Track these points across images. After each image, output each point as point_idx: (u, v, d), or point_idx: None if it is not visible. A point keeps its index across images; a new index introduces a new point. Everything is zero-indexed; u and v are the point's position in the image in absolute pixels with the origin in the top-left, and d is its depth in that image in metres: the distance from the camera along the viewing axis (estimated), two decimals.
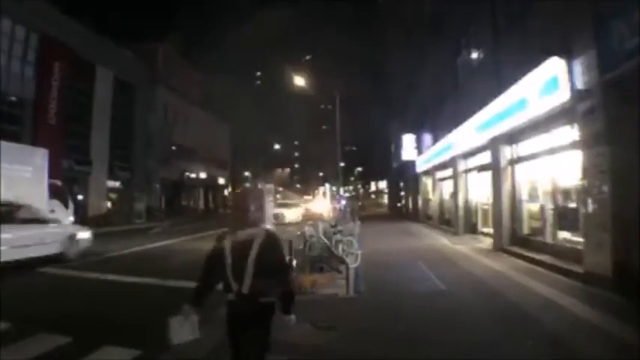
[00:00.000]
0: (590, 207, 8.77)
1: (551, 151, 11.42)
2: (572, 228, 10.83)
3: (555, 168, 11.54)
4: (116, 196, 39.06)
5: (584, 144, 9.10)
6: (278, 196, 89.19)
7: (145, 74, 42.96)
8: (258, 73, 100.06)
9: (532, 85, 10.64)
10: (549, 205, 12.06)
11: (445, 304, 7.94)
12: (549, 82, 9.77)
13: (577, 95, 9.04)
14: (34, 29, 28.90)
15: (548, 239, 12.01)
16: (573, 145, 9.97)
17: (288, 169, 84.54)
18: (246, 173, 72.36)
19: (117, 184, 39.24)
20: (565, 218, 11.24)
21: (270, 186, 8.54)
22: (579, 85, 8.95)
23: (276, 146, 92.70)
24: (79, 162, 33.48)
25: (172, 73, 47.90)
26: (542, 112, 10.54)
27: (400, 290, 9.17)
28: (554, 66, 9.58)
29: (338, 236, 12.52)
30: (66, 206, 20.23)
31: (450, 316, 7.17)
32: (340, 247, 12.17)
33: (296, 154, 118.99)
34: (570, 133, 10.30)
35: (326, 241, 11.99)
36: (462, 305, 7.81)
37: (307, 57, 51.38)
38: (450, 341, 5.94)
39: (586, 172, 8.99)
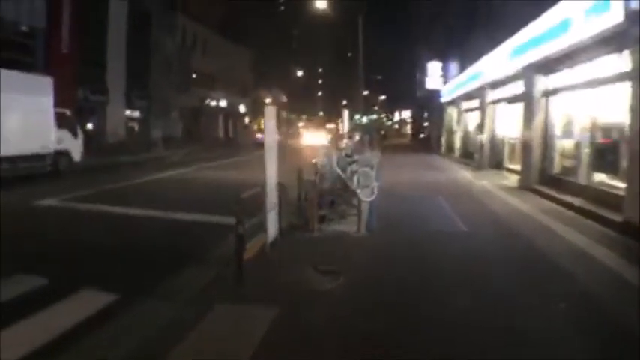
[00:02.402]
0: (637, 148, 7.71)
1: (593, 83, 10.24)
2: (610, 170, 9.83)
3: (596, 102, 10.37)
4: (137, 125, 38.53)
5: (634, 75, 7.94)
6: (300, 124, 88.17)
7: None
8: None
9: (578, 4, 9.32)
10: (586, 143, 10.97)
11: (465, 248, 7.13)
12: (599, 1, 8.46)
13: (631, 17, 7.74)
14: None
15: (582, 181, 11.00)
16: (620, 77, 8.85)
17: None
18: (268, 100, 71.08)
19: (136, 113, 38.58)
20: (603, 159, 10.19)
21: (271, 109, 7.45)
22: (635, 4, 7.66)
23: (299, 73, 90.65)
24: (95, 91, 32.70)
25: None
26: (587, 36, 9.23)
27: (417, 229, 8.42)
28: None
29: (353, 167, 11.68)
30: (75, 135, 19.64)
31: (471, 263, 6.36)
32: (355, 178, 11.37)
33: (320, 81, 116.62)
34: (618, 62, 9.10)
35: (339, 171, 11.16)
36: (484, 251, 7.00)
37: None
38: (467, 296, 5.15)
39: (634, 107, 7.89)
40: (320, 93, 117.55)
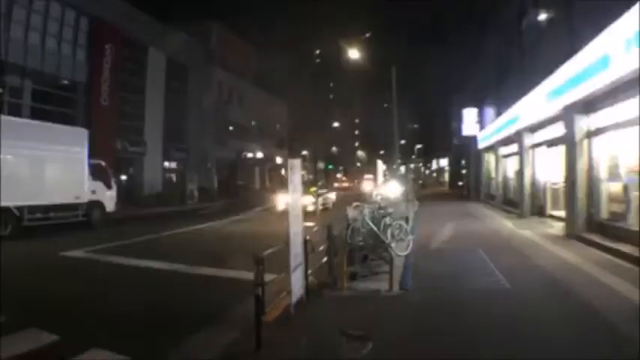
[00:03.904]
0: None
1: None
2: None
3: None
4: (175, 177, 39.21)
5: None
6: (338, 175, 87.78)
7: (199, 54, 42.40)
8: (317, 52, 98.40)
9: (616, 37, 8.79)
10: (635, 185, 10.20)
11: (510, 309, 6.42)
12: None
13: None
14: (83, 13, 28.70)
15: (634, 226, 10.17)
16: None
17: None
18: (304, 152, 71.34)
19: (173, 164, 39.28)
20: None
21: (296, 161, 7.08)
22: None
23: (335, 124, 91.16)
24: (133, 143, 33.45)
25: (226, 51, 47.18)
26: (629, 70, 8.63)
27: (455, 287, 7.72)
28: None
29: (387, 220, 11.17)
30: (108, 187, 19.86)
31: (516, 328, 5.68)
32: (389, 232, 10.83)
33: (356, 132, 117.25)
34: None
35: (372, 225, 10.66)
36: (531, 313, 6.27)
37: (367, 34, 48.98)
38: None
39: None
40: (357, 144, 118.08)
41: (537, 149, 18.22)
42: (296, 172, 6.99)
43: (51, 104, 25.83)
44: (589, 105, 11.82)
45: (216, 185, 42.84)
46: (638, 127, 9.69)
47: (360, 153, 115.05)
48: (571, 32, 12.34)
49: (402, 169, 58.19)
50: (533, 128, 17.66)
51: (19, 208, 15.44)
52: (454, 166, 52.75)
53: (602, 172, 12.00)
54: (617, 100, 10.41)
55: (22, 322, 5.91)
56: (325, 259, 8.43)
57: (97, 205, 18.89)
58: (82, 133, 18.09)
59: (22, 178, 15.20)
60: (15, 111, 21.74)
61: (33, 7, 25.20)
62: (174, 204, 31.35)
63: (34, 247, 13.61)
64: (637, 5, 7.99)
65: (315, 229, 9.43)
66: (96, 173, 18.91)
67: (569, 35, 12.34)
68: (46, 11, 26.17)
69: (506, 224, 16.37)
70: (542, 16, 16.09)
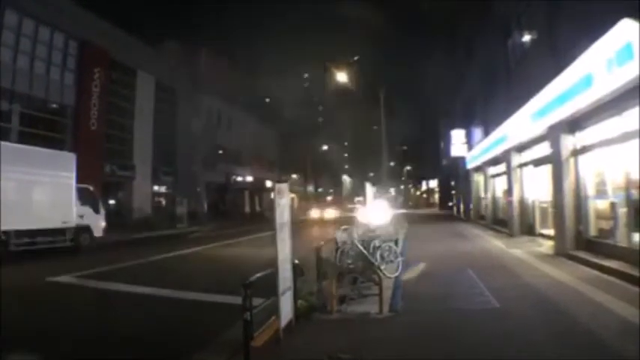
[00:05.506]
0: None
1: (624, 138, 9.64)
2: None
3: (629, 157, 9.72)
4: (165, 201, 39.10)
5: None
6: (328, 199, 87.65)
7: (187, 77, 42.60)
8: (306, 75, 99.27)
9: (598, 57, 8.92)
10: (622, 202, 10.26)
11: (499, 329, 6.36)
12: (621, 50, 8.03)
13: None
14: (72, 36, 28.84)
15: (622, 242, 10.21)
16: None
17: None
18: (294, 175, 71.51)
19: (162, 188, 39.16)
20: None
21: (283, 185, 7.02)
22: None
23: (324, 147, 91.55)
24: (122, 167, 33.37)
25: (215, 75, 47.43)
26: (611, 89, 8.77)
27: (444, 308, 7.64)
28: (626, 30, 7.85)
29: (376, 242, 11.14)
30: (96, 211, 19.73)
31: (506, 348, 5.61)
32: (378, 254, 10.79)
33: (345, 154, 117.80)
34: None
35: (361, 247, 10.62)
36: (521, 332, 6.18)
37: (355, 57, 49.62)
38: None
39: None
40: (347, 166, 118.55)
41: (525, 168, 18.33)
42: (283, 196, 6.98)
43: (39, 128, 25.81)
44: (574, 124, 11.95)
45: (206, 209, 42.72)
46: (622, 144, 9.81)
47: (345, 177, 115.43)
48: (555, 52, 12.51)
49: (392, 190, 58.33)
50: (521, 148, 17.80)
51: (6, 233, 15.29)
52: (444, 186, 52.95)
53: (589, 190, 12.06)
54: (602, 119, 10.54)
55: (9, 346, 5.89)
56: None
57: (85, 229, 18.76)
58: (69, 158, 18.01)
59: (9, 203, 15.03)
60: (3, 135, 21.66)
61: (22, 31, 25.29)
62: (164, 228, 31.16)
63: (20, 271, 13.43)
64: (617, 25, 8.12)
65: None
66: (84, 198, 18.81)
67: (553, 55, 12.50)
68: (35, 35, 26.27)
69: (495, 244, 16.37)
70: (526, 38, 16.34)
